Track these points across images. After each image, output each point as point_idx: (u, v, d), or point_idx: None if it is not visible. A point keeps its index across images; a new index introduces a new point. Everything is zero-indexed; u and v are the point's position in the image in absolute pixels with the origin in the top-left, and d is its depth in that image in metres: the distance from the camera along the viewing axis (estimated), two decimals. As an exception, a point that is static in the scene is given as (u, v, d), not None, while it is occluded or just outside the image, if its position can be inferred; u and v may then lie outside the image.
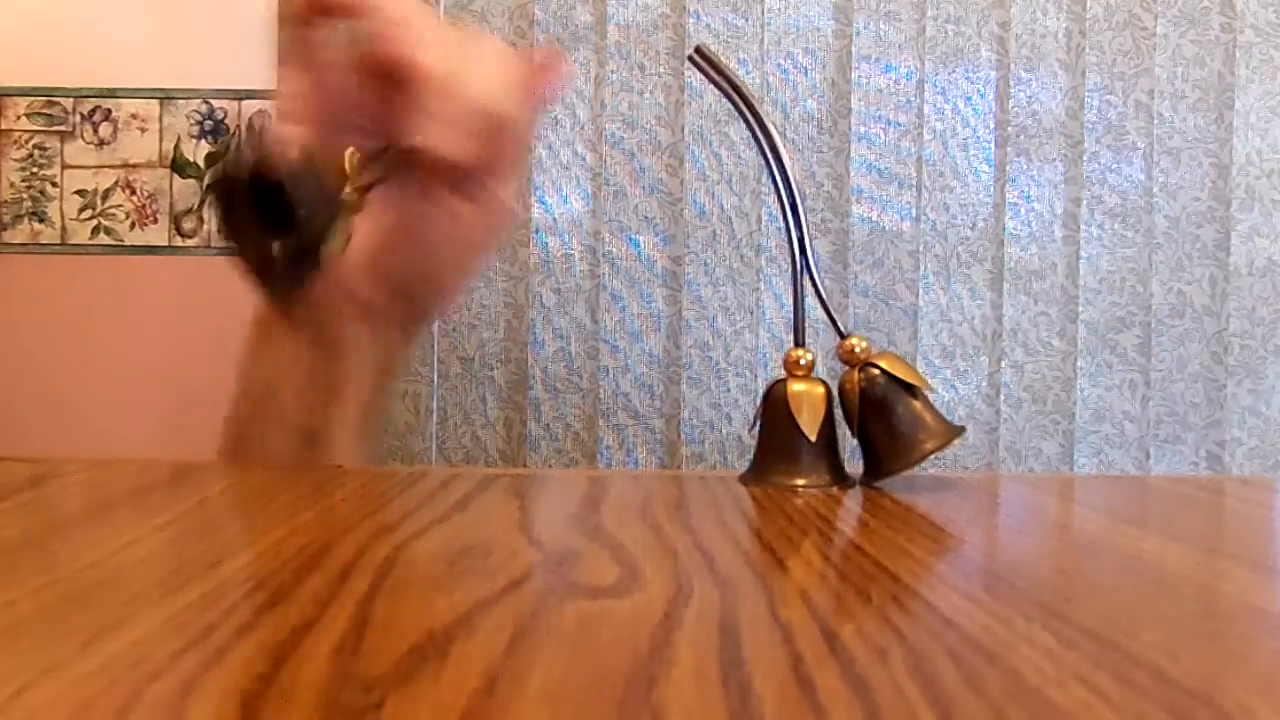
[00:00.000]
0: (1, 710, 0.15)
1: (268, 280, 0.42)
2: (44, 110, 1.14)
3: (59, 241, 1.15)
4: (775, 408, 0.40)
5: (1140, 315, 0.94)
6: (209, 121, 1.14)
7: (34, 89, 1.14)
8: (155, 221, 1.14)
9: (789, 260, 0.42)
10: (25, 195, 1.15)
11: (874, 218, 0.94)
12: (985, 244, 0.94)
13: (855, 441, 0.41)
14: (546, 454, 0.93)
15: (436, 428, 0.93)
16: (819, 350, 0.41)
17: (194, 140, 1.14)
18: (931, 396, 0.41)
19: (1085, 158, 0.94)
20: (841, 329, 0.42)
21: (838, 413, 0.41)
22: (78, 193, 1.14)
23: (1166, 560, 0.27)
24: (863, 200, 0.94)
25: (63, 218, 1.15)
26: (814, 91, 0.94)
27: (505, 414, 0.93)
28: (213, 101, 1.14)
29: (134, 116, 1.14)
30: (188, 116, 1.14)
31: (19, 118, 1.15)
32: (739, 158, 0.93)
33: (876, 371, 0.40)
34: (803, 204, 0.41)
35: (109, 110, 1.14)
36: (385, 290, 0.48)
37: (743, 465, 0.41)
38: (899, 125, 0.94)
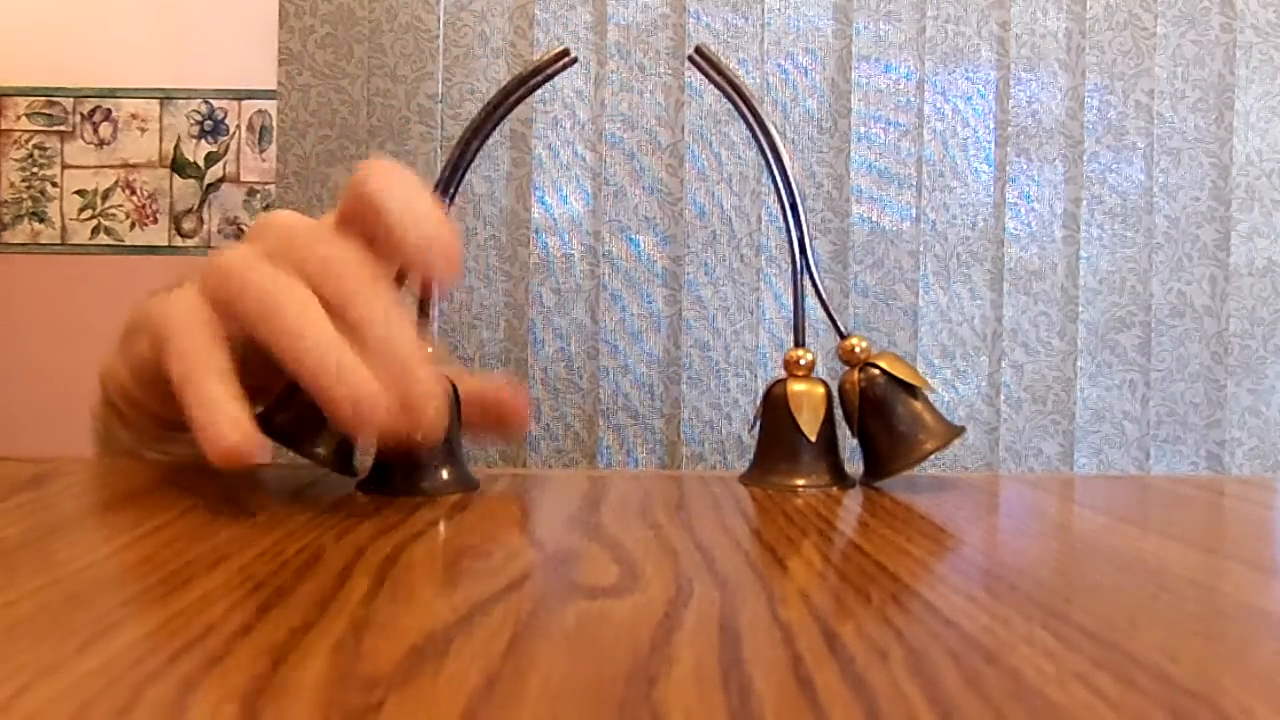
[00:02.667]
0: (1, 710, 0.15)
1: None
2: (44, 110, 1.14)
3: (59, 241, 1.14)
4: (775, 408, 0.40)
5: (1140, 315, 0.94)
6: (209, 121, 1.14)
7: (34, 89, 1.14)
8: (155, 221, 1.14)
9: (789, 260, 0.42)
10: (25, 195, 1.15)
11: (874, 218, 0.94)
12: (985, 244, 0.94)
13: (855, 441, 0.41)
14: (546, 454, 0.93)
15: (436, 428, 0.93)
16: (819, 350, 0.41)
17: (194, 140, 1.14)
18: (931, 396, 0.41)
19: (1085, 158, 0.94)
20: (841, 329, 0.42)
21: (838, 413, 0.41)
22: (78, 193, 1.14)
23: (1166, 560, 0.27)
24: (863, 200, 0.94)
25: (63, 218, 1.14)
26: (814, 91, 0.94)
27: (505, 414, 0.93)
28: (213, 101, 1.14)
29: (134, 116, 1.14)
30: (188, 116, 1.14)
31: (19, 118, 1.14)
32: (739, 158, 0.93)
33: (876, 371, 0.40)
34: (803, 204, 0.41)
35: (109, 110, 1.14)
36: None
37: (743, 465, 0.41)
38: (899, 125, 0.94)
